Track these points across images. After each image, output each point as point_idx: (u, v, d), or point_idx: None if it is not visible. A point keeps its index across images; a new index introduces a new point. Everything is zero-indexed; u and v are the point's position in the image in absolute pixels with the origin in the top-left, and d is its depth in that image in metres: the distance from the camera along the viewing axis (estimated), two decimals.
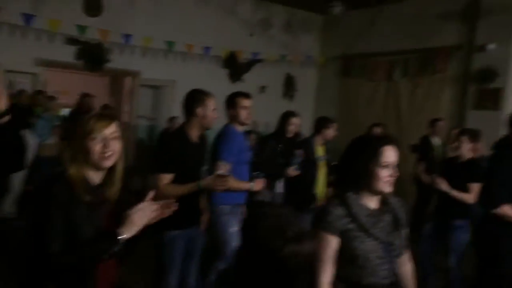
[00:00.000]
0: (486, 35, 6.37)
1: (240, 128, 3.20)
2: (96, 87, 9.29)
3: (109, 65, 6.76)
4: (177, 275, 2.69)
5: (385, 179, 1.73)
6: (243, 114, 3.13)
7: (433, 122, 5.84)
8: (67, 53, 6.45)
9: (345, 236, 1.73)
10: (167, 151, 2.66)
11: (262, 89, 8.21)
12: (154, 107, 7.65)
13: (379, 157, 1.72)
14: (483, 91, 6.43)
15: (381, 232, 1.76)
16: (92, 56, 6.56)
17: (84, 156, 1.62)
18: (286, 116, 4.20)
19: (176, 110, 5.93)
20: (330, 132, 4.34)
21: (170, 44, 7.06)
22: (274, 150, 4.06)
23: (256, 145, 4.90)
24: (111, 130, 1.64)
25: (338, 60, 8.58)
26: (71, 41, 6.42)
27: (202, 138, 2.81)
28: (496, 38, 6.27)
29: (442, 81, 7.00)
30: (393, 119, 7.37)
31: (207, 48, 7.44)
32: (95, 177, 1.67)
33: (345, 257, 1.74)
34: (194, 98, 2.68)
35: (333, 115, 6.63)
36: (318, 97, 9.05)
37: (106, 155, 1.62)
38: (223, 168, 2.59)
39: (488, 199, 2.89)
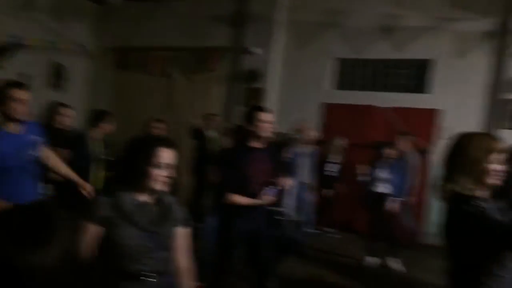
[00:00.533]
0: (252, 39, 7.10)
1: (10, 128, 2.69)
2: None
3: None
4: None
5: (159, 178, 1.81)
6: (15, 108, 2.64)
7: (207, 116, 6.30)
8: None
9: (108, 225, 1.77)
10: None
11: (26, 77, 7.20)
12: None
13: (153, 158, 1.80)
14: (249, 90, 7.15)
15: (146, 222, 1.82)
16: None
17: None
18: (54, 107, 3.79)
19: None
20: (107, 126, 4.12)
21: None
22: None
23: None
24: None
25: (114, 52, 8.24)
26: None
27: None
28: (259, 43, 7.06)
29: (213, 79, 7.48)
30: (169, 113, 7.48)
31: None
32: None
33: (110, 246, 1.78)
34: None
35: (109, 108, 6.32)
36: (93, 89, 8.52)
37: None
38: None
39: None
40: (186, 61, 7.71)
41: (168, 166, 1.83)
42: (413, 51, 6.65)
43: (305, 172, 5.54)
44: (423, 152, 5.97)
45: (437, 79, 6.60)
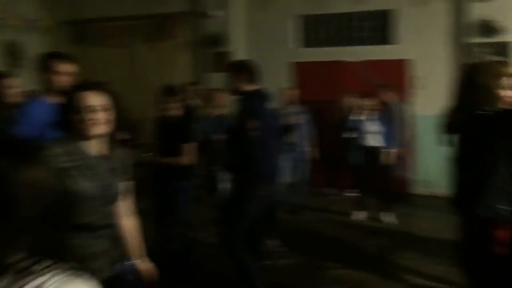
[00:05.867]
0: (211, 2, 6.91)
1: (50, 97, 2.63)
2: None
3: None
4: None
5: (88, 122, 1.79)
6: (55, 80, 2.60)
7: (190, 85, 6.00)
8: None
9: (60, 175, 1.74)
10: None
11: None
12: None
13: (75, 103, 1.80)
14: (215, 55, 7.00)
15: (97, 175, 1.84)
16: None
17: None
18: None
19: None
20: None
21: None
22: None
23: None
24: None
25: (69, 26, 7.85)
26: None
27: None
28: (219, 5, 6.88)
29: (177, 46, 7.29)
30: (131, 85, 7.26)
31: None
32: None
33: (61, 197, 1.70)
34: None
35: None
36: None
37: None
38: None
39: None
40: (146, 30, 7.46)
41: (95, 108, 1.81)
42: (374, 2, 6.65)
43: (300, 133, 5.48)
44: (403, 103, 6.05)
45: (401, 29, 6.67)
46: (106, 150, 1.90)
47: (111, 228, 1.91)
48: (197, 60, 7.27)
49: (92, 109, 1.80)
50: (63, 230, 1.03)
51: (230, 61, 5.43)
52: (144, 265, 2.06)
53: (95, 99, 1.81)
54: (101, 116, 1.81)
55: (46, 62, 2.65)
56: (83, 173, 1.80)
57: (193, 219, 4.05)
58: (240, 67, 3.28)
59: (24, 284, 0.82)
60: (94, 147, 1.86)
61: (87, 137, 1.83)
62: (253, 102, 3.15)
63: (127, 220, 2.04)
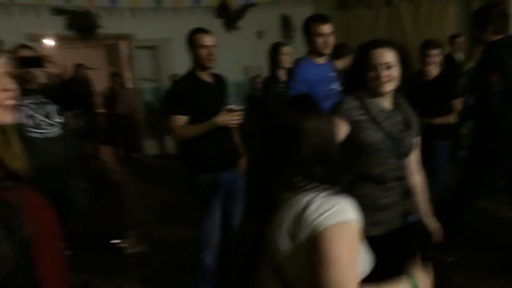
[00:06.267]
0: None
1: (315, 59, 2.84)
2: (93, 59, 9.19)
3: (101, 31, 6.59)
4: (216, 220, 2.67)
5: (379, 80, 1.81)
6: (319, 43, 2.77)
7: (452, 38, 5.63)
8: (57, 25, 6.29)
9: (356, 126, 1.85)
10: (177, 93, 2.61)
11: (260, 34, 7.98)
12: (154, 68, 7.52)
13: (367, 60, 1.83)
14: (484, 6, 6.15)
15: (392, 128, 1.86)
16: (81, 24, 6.40)
17: None
18: (276, 47, 3.93)
19: (176, 67, 5.87)
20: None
21: (158, 0, 6.83)
22: (274, 90, 3.76)
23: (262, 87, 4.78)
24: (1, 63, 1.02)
25: None
26: (58, 11, 6.24)
27: (217, 78, 2.75)
28: None
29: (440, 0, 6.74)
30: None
31: (196, 0, 7.20)
32: None
33: (355, 148, 1.86)
34: (188, 37, 2.64)
35: None
36: None
37: (6, 102, 1.01)
38: (235, 103, 2.53)
39: None
40: None
41: (390, 65, 1.81)
42: None
43: None
44: None
45: None
46: (393, 105, 1.92)
47: (401, 181, 1.91)
48: (465, 12, 6.56)
49: (387, 66, 1.81)
50: (345, 175, 1.29)
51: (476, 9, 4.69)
52: (432, 222, 2.02)
53: (388, 56, 1.82)
54: (393, 72, 1.82)
55: (308, 25, 2.82)
56: (376, 126, 1.84)
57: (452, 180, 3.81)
58: (484, 15, 2.88)
59: (301, 197, 1.11)
60: (385, 102, 1.90)
61: (379, 93, 1.85)
62: (497, 52, 2.78)
63: (416, 176, 2.02)
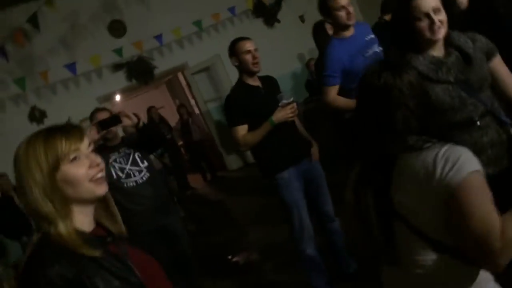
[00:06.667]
0: None
1: (344, 34, 2.79)
2: (159, 98, 9.72)
3: (158, 71, 6.97)
4: (303, 215, 2.69)
5: (433, 27, 1.70)
6: (341, 16, 2.71)
7: None
8: (119, 80, 6.76)
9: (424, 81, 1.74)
10: (231, 105, 2.69)
11: (302, 18, 7.91)
12: (213, 87, 7.78)
13: (413, 10, 1.72)
14: None
15: (452, 74, 1.74)
16: (139, 71, 6.80)
17: (64, 193, 1.09)
18: (317, 27, 3.88)
19: (232, 78, 6.01)
20: None
21: (198, 24, 7.06)
22: None
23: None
24: (86, 143, 1.16)
25: None
26: (116, 67, 6.71)
27: (266, 80, 2.80)
28: None
29: None
30: None
31: (232, 9, 7.32)
32: (86, 221, 1.15)
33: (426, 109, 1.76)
34: (229, 49, 2.72)
35: None
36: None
37: (98, 176, 1.14)
38: (284, 97, 2.56)
39: None
40: None
41: (434, 10, 1.70)
42: None
43: None
44: None
45: None
46: (446, 49, 1.81)
47: (490, 114, 1.79)
48: None
49: (436, 10, 1.71)
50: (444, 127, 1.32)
51: None
52: None
53: (433, 2, 1.72)
54: (442, 16, 1.72)
55: (325, 4, 2.76)
56: (431, 78, 1.74)
57: None
58: None
59: (422, 156, 1.17)
60: (439, 51, 1.80)
61: (434, 42, 1.76)
62: None
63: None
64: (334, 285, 2.84)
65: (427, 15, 1.70)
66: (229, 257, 4.06)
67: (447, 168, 1.11)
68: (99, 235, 1.15)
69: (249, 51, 2.64)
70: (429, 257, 1.19)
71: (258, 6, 7.59)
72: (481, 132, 1.77)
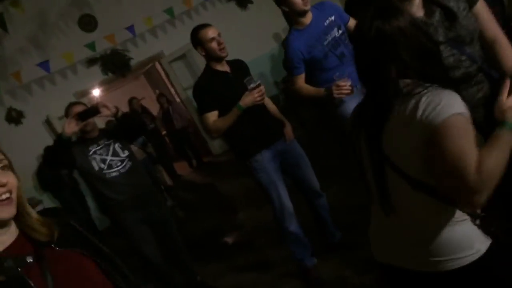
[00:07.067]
0: None
1: (302, 21, 2.73)
2: (139, 89, 9.65)
3: (134, 62, 6.91)
4: (282, 194, 2.73)
5: None
6: (296, 3, 2.64)
7: None
8: (96, 74, 6.69)
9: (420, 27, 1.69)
10: (199, 90, 2.68)
11: None
12: (192, 74, 7.73)
13: None
14: None
15: (437, 34, 1.70)
16: (115, 64, 6.74)
17: None
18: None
19: None
20: None
21: (169, 11, 6.99)
22: None
23: None
24: None
25: None
26: (90, 62, 6.63)
27: (235, 64, 2.77)
28: None
29: None
30: None
31: None
32: None
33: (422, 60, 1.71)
34: (191, 40, 2.68)
35: None
36: None
37: (2, 198, 1.03)
38: (252, 81, 2.55)
39: None
40: None
41: None
42: None
43: None
44: None
45: None
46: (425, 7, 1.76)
47: (484, 71, 1.77)
48: None
49: None
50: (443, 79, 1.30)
51: None
52: None
53: None
54: None
55: None
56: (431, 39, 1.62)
57: None
58: None
59: (412, 99, 1.18)
60: (418, 11, 1.73)
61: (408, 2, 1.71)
62: None
63: (496, 41, 1.81)
64: (322, 256, 2.94)
65: None
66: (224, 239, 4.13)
67: (428, 110, 1.13)
68: (15, 253, 1.02)
69: (213, 39, 2.61)
70: (412, 198, 1.23)
71: None
72: (476, 88, 1.77)
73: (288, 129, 2.83)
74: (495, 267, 1.22)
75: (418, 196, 1.21)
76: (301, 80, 2.79)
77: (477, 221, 1.23)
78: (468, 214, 1.23)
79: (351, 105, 2.66)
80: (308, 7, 2.69)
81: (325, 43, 2.73)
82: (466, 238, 1.21)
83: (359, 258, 2.74)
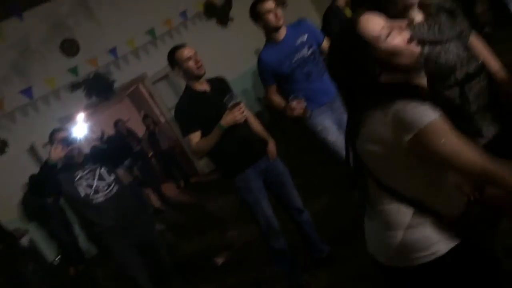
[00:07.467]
0: None
1: (275, 37, 2.91)
2: (124, 111, 9.62)
3: (118, 84, 6.90)
4: (267, 213, 2.73)
5: None
6: (269, 20, 2.83)
7: None
8: (79, 98, 6.67)
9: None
10: (180, 112, 2.68)
11: None
12: (176, 93, 7.74)
13: None
14: None
15: (442, 34, 1.73)
16: (98, 87, 6.72)
17: None
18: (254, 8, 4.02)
19: None
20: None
21: (151, 32, 7.04)
22: None
23: None
24: None
25: None
26: (74, 87, 6.61)
27: (215, 82, 2.78)
28: None
29: None
30: None
31: (183, 13, 7.32)
32: None
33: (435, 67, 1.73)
34: (169, 62, 2.69)
35: None
36: None
37: None
38: (232, 99, 2.56)
39: None
40: None
41: None
42: None
43: None
44: None
45: None
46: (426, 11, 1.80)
47: (472, 76, 1.77)
48: None
49: None
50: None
51: None
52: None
53: None
54: None
55: (254, 10, 2.87)
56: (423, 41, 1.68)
57: None
58: None
59: (378, 110, 1.22)
60: (418, 15, 1.77)
61: (409, 5, 1.72)
62: None
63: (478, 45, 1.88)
64: (312, 271, 2.93)
65: None
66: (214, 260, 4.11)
67: (404, 122, 1.16)
68: None
69: (189, 58, 2.61)
70: (378, 197, 1.31)
71: (208, 7, 7.61)
72: (477, 82, 1.78)
73: (272, 147, 2.84)
74: (455, 268, 1.26)
75: (383, 196, 1.29)
76: (271, 91, 3.00)
77: (443, 223, 1.27)
78: (433, 216, 1.26)
79: (319, 119, 2.98)
80: (280, 24, 2.86)
81: (294, 60, 2.90)
82: (424, 239, 1.26)
83: (350, 270, 2.75)
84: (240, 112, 2.55)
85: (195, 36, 7.30)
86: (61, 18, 6.57)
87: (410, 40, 1.24)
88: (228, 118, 2.54)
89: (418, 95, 1.21)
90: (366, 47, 1.22)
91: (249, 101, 3.03)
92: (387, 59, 1.22)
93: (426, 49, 1.68)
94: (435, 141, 1.14)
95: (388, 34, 1.22)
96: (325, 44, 3.00)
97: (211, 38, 7.30)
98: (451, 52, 1.72)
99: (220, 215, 5.30)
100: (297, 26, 3.00)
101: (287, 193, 2.85)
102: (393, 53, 1.22)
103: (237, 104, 2.54)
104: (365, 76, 1.24)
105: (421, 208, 1.26)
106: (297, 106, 2.70)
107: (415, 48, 1.25)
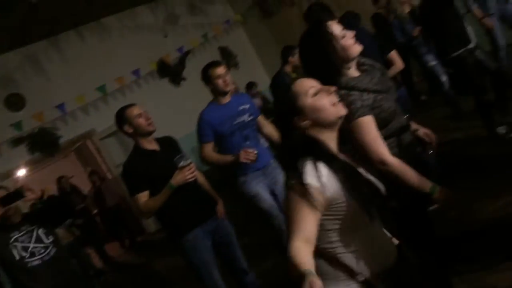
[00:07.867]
0: None
1: (220, 100, 3.12)
2: (69, 167, 9.32)
3: (64, 140, 6.74)
4: (214, 274, 2.69)
5: (350, 44, 1.83)
6: (219, 84, 3.05)
7: None
8: (22, 154, 6.42)
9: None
10: (128, 171, 2.67)
11: None
12: (124, 150, 7.64)
13: (326, 35, 1.82)
14: None
15: (376, 85, 1.88)
16: (43, 143, 6.53)
17: None
18: (287, 50, 4.49)
19: None
20: (296, 59, 4.46)
21: (101, 89, 7.02)
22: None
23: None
24: None
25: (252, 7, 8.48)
26: (17, 141, 6.39)
27: (164, 141, 2.80)
28: None
29: None
30: None
31: (136, 71, 7.40)
32: None
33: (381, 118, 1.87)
34: (116, 121, 2.72)
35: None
36: (259, 48, 8.93)
37: None
38: (182, 159, 2.59)
39: None
40: None
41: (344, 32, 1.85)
42: None
43: None
44: None
45: None
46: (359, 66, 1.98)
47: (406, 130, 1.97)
48: None
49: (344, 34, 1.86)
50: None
51: None
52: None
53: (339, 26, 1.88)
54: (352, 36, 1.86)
55: (206, 73, 3.10)
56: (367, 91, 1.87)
57: None
58: None
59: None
60: (354, 72, 1.93)
61: (352, 59, 1.88)
62: None
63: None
64: None
65: (345, 34, 1.81)
66: None
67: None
68: None
69: (140, 114, 2.66)
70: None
71: (162, 66, 7.75)
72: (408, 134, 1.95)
73: (220, 206, 2.85)
74: None
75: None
76: (207, 148, 3.12)
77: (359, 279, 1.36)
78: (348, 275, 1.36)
79: (252, 185, 3.12)
80: (228, 89, 3.09)
81: (235, 123, 3.09)
82: None
83: None
84: (191, 172, 2.57)
85: (146, 94, 7.36)
86: (8, 72, 6.46)
87: (335, 104, 1.42)
88: (178, 178, 2.55)
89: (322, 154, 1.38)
90: (296, 98, 1.44)
91: (197, 160, 3.08)
92: (310, 113, 1.42)
93: (372, 96, 1.83)
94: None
95: (316, 93, 1.43)
96: (261, 118, 3.28)
97: (162, 96, 7.39)
98: (389, 101, 1.89)
99: (166, 276, 5.10)
100: (241, 97, 3.33)
101: (233, 254, 2.83)
102: (318, 109, 1.41)
103: (188, 164, 2.57)
104: (287, 122, 1.45)
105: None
106: (252, 150, 2.91)
107: (341, 110, 1.44)
